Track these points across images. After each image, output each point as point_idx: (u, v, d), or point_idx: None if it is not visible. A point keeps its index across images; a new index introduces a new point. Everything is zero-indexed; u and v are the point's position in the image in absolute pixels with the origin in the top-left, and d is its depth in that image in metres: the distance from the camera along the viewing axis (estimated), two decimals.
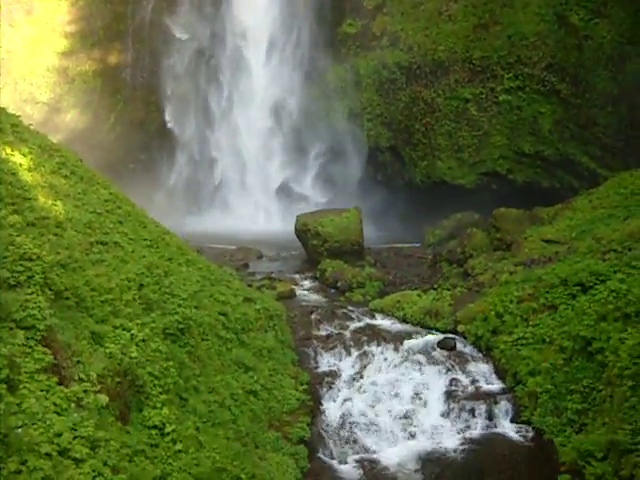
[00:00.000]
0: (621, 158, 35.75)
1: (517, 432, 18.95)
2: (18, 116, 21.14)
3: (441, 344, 22.35)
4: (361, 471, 17.47)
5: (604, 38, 36.04)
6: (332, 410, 19.92)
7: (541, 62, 37.72)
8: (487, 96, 39.51)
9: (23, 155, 18.07)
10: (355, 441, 18.75)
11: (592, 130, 36.84)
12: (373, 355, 22.15)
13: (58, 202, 16.73)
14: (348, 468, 17.68)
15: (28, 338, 11.24)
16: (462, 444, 18.65)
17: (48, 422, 10.21)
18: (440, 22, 40.86)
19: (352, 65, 43.80)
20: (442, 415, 19.75)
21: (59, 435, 10.14)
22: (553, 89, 37.71)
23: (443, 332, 23.38)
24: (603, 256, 22.29)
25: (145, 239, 20.19)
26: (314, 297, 28.25)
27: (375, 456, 18.26)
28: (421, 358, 21.73)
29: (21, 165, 17.35)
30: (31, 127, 21.53)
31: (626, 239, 22.71)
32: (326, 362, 22.19)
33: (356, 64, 43.57)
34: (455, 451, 18.36)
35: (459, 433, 19.20)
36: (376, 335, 23.29)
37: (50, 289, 12.60)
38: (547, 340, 20.16)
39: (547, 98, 37.96)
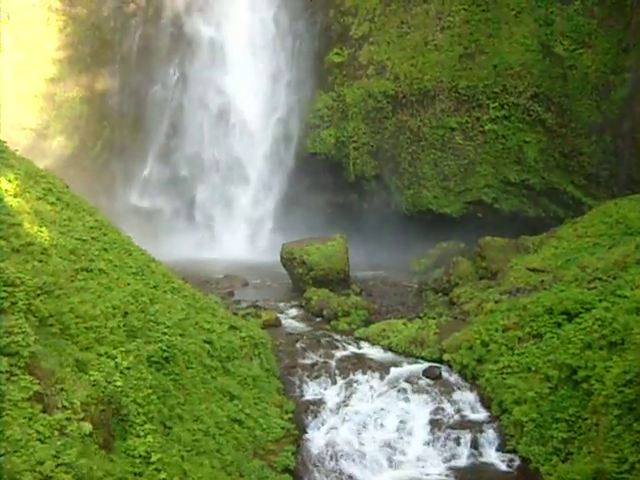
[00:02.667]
0: (606, 187, 35.94)
1: (503, 461, 18.88)
2: (4, 142, 21.08)
3: (426, 373, 22.31)
4: None
5: (589, 68, 36.33)
6: (317, 439, 19.83)
7: (526, 91, 37.97)
8: (473, 125, 39.70)
9: (9, 181, 18.00)
10: (340, 470, 18.64)
11: (577, 159, 37.03)
12: (358, 384, 22.09)
13: (43, 228, 16.66)
14: None
15: (12, 365, 11.15)
16: (447, 473, 18.57)
17: (31, 450, 10.12)
18: (426, 51, 41.12)
19: (339, 94, 43.97)
20: (427, 444, 19.66)
21: (42, 463, 10.04)
22: (538, 118, 37.93)
23: (428, 361, 23.36)
24: (588, 285, 22.34)
25: (130, 266, 20.12)
26: (299, 325, 28.19)
27: None
28: (406, 387, 21.66)
29: (7, 191, 17.28)
30: (17, 153, 21.46)
31: (611, 268, 22.77)
32: (311, 391, 22.12)
33: (342, 93, 43.73)
34: None
35: (444, 462, 19.12)
36: (361, 364, 23.25)
37: (34, 316, 12.53)
38: (533, 369, 20.15)
39: (532, 127, 38.17)
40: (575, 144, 36.93)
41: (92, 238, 19.44)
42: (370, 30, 43.27)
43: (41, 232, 16.32)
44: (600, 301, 20.42)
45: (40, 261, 14.81)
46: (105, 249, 19.57)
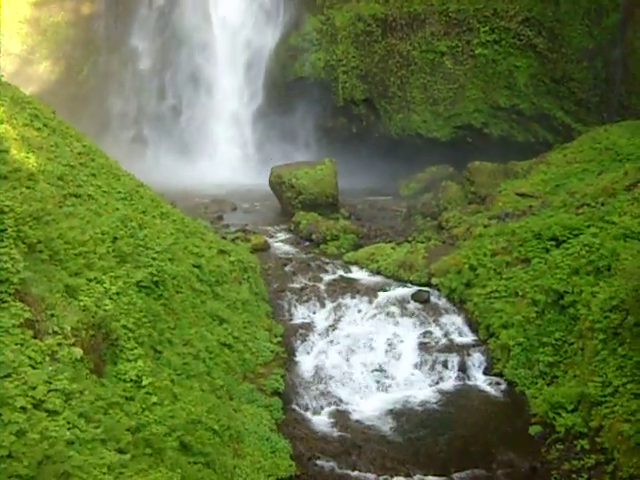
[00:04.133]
0: (596, 113, 35.89)
1: (489, 384, 19.14)
2: None
3: (415, 297, 22.48)
4: (334, 422, 17.59)
5: None
6: (306, 362, 20.03)
7: (517, 16, 37.63)
8: (463, 49, 39.41)
9: None
10: (329, 393, 18.85)
11: (568, 85, 36.89)
12: (347, 307, 22.27)
13: (31, 155, 16.54)
14: (322, 419, 17.80)
15: (2, 292, 11.17)
16: (435, 396, 18.81)
17: (23, 375, 10.18)
18: None
19: (328, 17, 43.46)
20: (415, 367, 19.87)
21: (34, 388, 10.12)
22: (529, 43, 37.66)
23: (417, 285, 23.51)
24: (577, 210, 22.42)
25: (119, 192, 20.03)
26: (288, 249, 28.24)
27: (348, 407, 18.37)
28: (395, 310, 21.84)
29: None
30: (3, 79, 21.22)
31: (600, 194, 22.84)
32: (300, 314, 22.29)
33: (332, 16, 43.22)
34: (428, 403, 18.51)
35: (432, 385, 19.35)
36: (350, 287, 23.42)
37: (23, 242, 12.51)
38: (520, 293, 20.31)
39: (523, 52, 37.92)
40: (566, 69, 36.75)
41: (80, 164, 19.32)
42: None
43: (28, 158, 16.22)
44: (588, 227, 20.52)
45: (28, 187, 14.74)
46: (93, 174, 19.46)
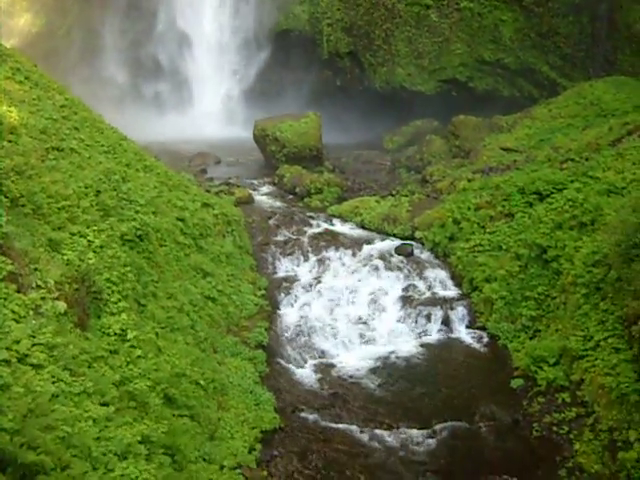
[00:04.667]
0: (581, 68, 35.83)
1: (472, 337, 19.32)
2: None
3: (398, 250, 22.56)
4: (318, 375, 17.74)
5: None
6: (290, 315, 20.14)
7: None
8: (448, 3, 39.12)
9: None
10: (313, 346, 18.99)
11: (553, 39, 36.75)
12: (331, 261, 22.36)
13: (12, 108, 16.42)
14: (306, 372, 17.94)
15: None
16: (418, 349, 18.98)
17: (7, 329, 10.21)
18: None
19: None
20: (399, 320, 20.03)
21: (17, 342, 10.15)
22: None
23: (401, 238, 23.63)
24: (561, 165, 22.47)
25: (102, 145, 19.93)
26: (272, 202, 28.23)
27: (332, 360, 18.53)
28: (379, 264, 21.94)
29: None
30: None
31: (584, 149, 22.90)
32: (284, 267, 22.38)
33: None
34: (411, 355, 18.68)
35: (415, 338, 19.52)
36: (334, 240, 23.47)
37: (6, 196, 12.46)
38: (503, 247, 20.45)
39: (509, 6, 37.69)
40: (552, 24, 36.58)
41: (62, 117, 19.20)
42: None
43: (10, 112, 16.10)
44: (572, 182, 20.58)
45: (10, 141, 14.66)
46: (76, 128, 19.34)
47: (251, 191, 28.86)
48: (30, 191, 13.25)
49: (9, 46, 23.07)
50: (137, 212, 16.83)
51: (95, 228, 14.62)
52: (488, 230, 21.57)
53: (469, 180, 25.36)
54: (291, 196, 29.23)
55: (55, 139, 17.18)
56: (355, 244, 23.15)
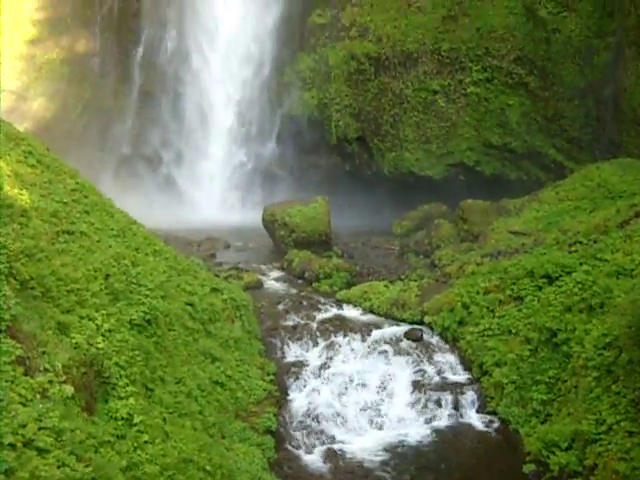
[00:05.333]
0: (588, 151, 36.07)
1: (483, 422, 19.07)
2: None
3: (408, 335, 22.42)
4: (327, 461, 17.49)
5: (572, 31, 36.31)
6: (299, 400, 19.93)
7: (509, 55, 37.92)
8: (455, 88, 39.63)
9: None
10: (322, 432, 18.76)
11: (559, 123, 37.09)
12: (340, 346, 22.18)
13: (24, 191, 16.55)
14: (315, 458, 17.70)
15: None
16: (428, 434, 18.73)
17: (13, 413, 10.11)
18: (409, 13, 40.91)
19: (321, 55, 43.73)
20: (409, 406, 19.81)
21: (24, 426, 10.03)
22: (521, 81, 37.92)
23: (410, 323, 23.45)
24: (569, 248, 22.44)
25: (112, 229, 20.03)
26: (281, 287, 28.22)
27: (342, 447, 18.27)
28: (388, 349, 21.78)
29: None
30: None
31: (592, 231, 22.87)
32: (293, 352, 22.22)
33: (325, 54, 43.49)
34: (421, 441, 18.44)
35: (426, 423, 19.28)
36: (343, 325, 23.33)
37: (15, 279, 12.48)
38: (513, 331, 20.30)
39: (515, 90, 38.15)
40: (557, 108, 36.97)
41: (73, 200, 19.33)
42: None
43: (21, 195, 16.22)
44: (581, 264, 20.54)
45: (21, 224, 14.72)
46: (86, 211, 19.47)
47: (260, 276, 28.89)
48: (40, 274, 13.27)
49: (23, 129, 23.42)
50: (146, 296, 16.82)
51: (104, 312, 14.60)
52: (497, 314, 21.46)
53: (478, 264, 25.31)
54: (300, 281, 29.24)
55: (65, 222, 17.26)
56: (364, 329, 23.01)
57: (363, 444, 18.39)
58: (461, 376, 20.89)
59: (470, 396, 19.87)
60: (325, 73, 43.48)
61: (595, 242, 21.86)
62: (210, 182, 46.35)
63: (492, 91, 38.55)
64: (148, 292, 17.13)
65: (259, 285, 27.74)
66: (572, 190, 30.14)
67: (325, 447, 18.26)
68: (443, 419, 19.44)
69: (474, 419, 19.31)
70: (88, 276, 15.28)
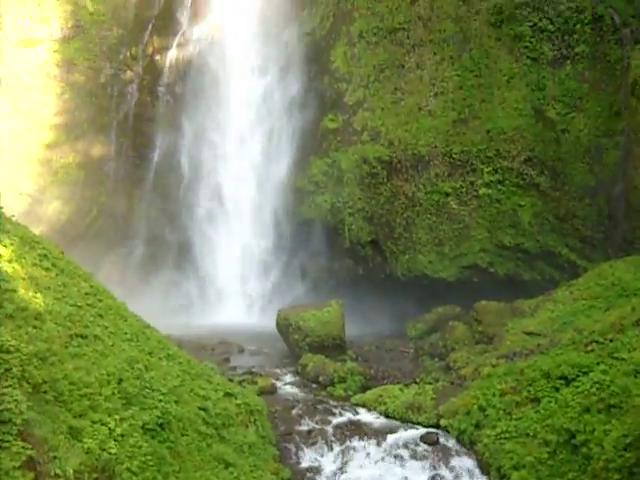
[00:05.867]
0: (601, 249, 36.04)
1: None
2: (1, 207, 21.17)
3: (424, 439, 22.14)
4: None
5: (581, 131, 36.74)
6: None
7: (520, 156, 38.22)
8: (467, 190, 39.83)
9: (4, 246, 18.06)
10: None
11: (571, 222, 37.18)
12: (355, 450, 21.92)
13: (38, 294, 16.65)
14: None
15: (4, 432, 11.05)
16: None
17: None
18: (420, 117, 41.38)
19: (334, 160, 44.16)
20: None
21: None
22: (532, 182, 38.13)
23: (426, 426, 23.18)
24: (585, 348, 22.28)
25: (125, 333, 20.07)
26: (295, 392, 28.00)
27: None
28: (404, 453, 21.50)
29: (2, 257, 17.31)
30: (13, 218, 21.55)
31: (608, 330, 22.73)
32: (308, 458, 21.93)
33: (337, 158, 43.93)
34: None
35: None
36: (358, 430, 23.08)
37: (28, 382, 12.45)
38: (531, 433, 20.01)
39: (526, 191, 38.34)
40: (569, 207, 37.11)
41: (87, 304, 19.42)
42: (364, 96, 43.60)
43: (36, 298, 16.30)
44: (598, 364, 20.37)
45: (34, 327, 14.77)
46: (100, 315, 19.54)
47: (274, 380, 28.70)
48: (52, 378, 13.25)
49: (38, 232, 23.66)
50: (159, 401, 16.75)
51: (117, 416, 14.52)
52: (514, 416, 21.20)
53: (493, 366, 25.17)
54: (314, 385, 29.03)
55: (79, 326, 17.31)
56: (379, 433, 22.76)
57: None
58: None
59: None
60: (338, 177, 43.83)
61: (611, 341, 21.71)
62: (225, 286, 46.48)
63: (504, 192, 38.75)
64: (161, 397, 17.06)
65: (273, 390, 27.52)
66: (586, 289, 30.05)
67: None
68: None
69: None
70: (101, 380, 15.25)
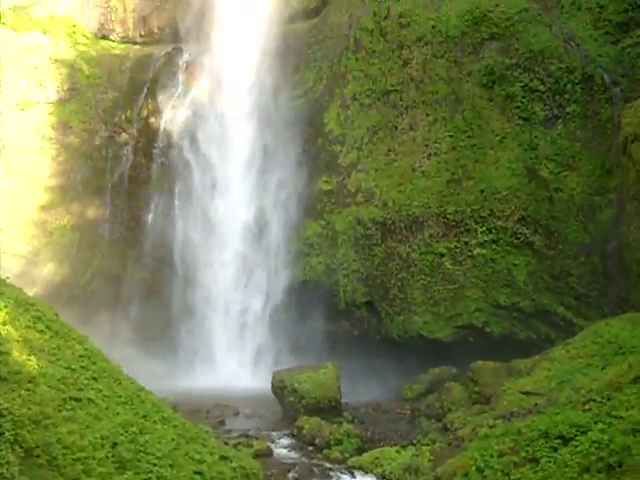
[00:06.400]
0: (596, 307, 36.01)
1: None
2: None
3: None
4: None
5: (574, 190, 36.96)
6: None
7: (514, 215, 38.37)
8: (462, 250, 39.89)
9: None
10: None
11: (566, 280, 37.18)
12: None
13: (32, 357, 16.58)
14: None
15: None
16: None
17: None
18: (414, 178, 41.61)
19: (328, 221, 44.33)
20: None
21: None
22: (526, 241, 38.21)
23: None
24: (583, 407, 22.12)
25: (120, 396, 19.93)
26: (291, 454, 27.85)
27: None
28: None
29: None
30: (8, 280, 21.59)
31: (605, 388, 22.60)
32: None
33: (332, 220, 44.10)
34: None
35: None
36: None
37: (20, 446, 12.34)
38: None
39: (521, 250, 38.40)
40: (564, 265, 37.16)
41: (81, 367, 19.32)
42: (358, 158, 43.90)
43: (30, 360, 16.23)
44: (596, 423, 20.20)
45: (28, 390, 14.69)
46: (94, 378, 19.42)
47: (270, 443, 28.58)
48: (45, 441, 13.14)
49: (32, 294, 23.68)
50: (154, 465, 16.62)
51: None
52: (513, 477, 20.93)
53: (491, 426, 24.98)
54: (311, 447, 28.88)
55: (73, 389, 17.20)
56: None
57: None
58: None
59: None
60: (332, 239, 43.99)
61: (609, 399, 21.57)
62: (219, 348, 46.35)
63: (498, 252, 38.80)
64: (156, 460, 16.91)
65: (269, 452, 27.37)
66: (583, 347, 29.96)
67: None
68: None
69: None
70: (95, 444, 15.12)
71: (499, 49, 40.42)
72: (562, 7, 40.56)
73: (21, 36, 52.80)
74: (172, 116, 49.94)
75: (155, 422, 20.31)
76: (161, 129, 50.05)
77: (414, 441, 27.68)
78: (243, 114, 48.31)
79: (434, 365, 38.32)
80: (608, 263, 35.57)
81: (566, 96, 38.16)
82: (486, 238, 39.03)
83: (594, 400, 22.09)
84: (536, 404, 25.92)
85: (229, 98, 48.76)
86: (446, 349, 39.91)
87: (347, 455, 27.35)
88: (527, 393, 28.03)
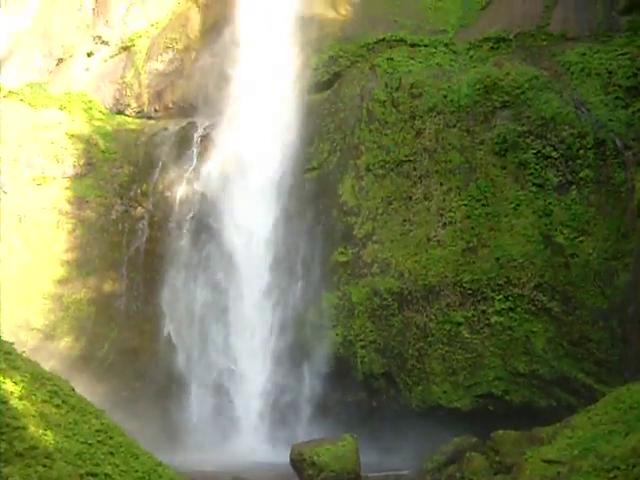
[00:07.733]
0: (617, 372, 35.70)
1: None
2: (12, 343, 21.28)
3: None
4: None
5: (590, 255, 36.89)
6: None
7: (530, 282, 38.29)
8: (479, 318, 39.76)
9: (14, 383, 17.98)
10: None
11: (586, 346, 36.94)
12: None
13: (48, 432, 16.46)
14: None
15: None
16: None
17: None
18: (429, 248, 41.68)
19: (344, 293, 44.32)
20: None
21: None
22: (544, 308, 38.07)
23: None
24: (607, 474, 21.83)
25: (137, 471, 19.72)
26: None
27: None
28: None
29: (12, 393, 17.21)
30: (24, 354, 21.59)
31: (630, 455, 22.30)
32: None
33: (348, 292, 44.09)
34: None
35: None
36: None
37: None
38: None
39: (538, 317, 38.23)
40: (582, 331, 36.94)
41: (98, 441, 19.16)
42: (373, 229, 44.04)
43: (46, 436, 16.12)
44: None
45: (44, 466, 14.56)
46: (111, 453, 19.25)
47: None
48: None
49: (48, 368, 23.60)
50: None
51: None
52: None
53: None
54: None
55: (90, 464, 17.04)
56: None
57: None
58: None
59: None
60: (349, 310, 43.92)
61: (634, 466, 21.28)
62: (238, 422, 46.08)
63: (516, 319, 38.66)
64: None
65: None
66: (604, 414, 29.60)
67: None
68: None
69: None
70: None
71: (511, 117, 40.76)
72: (572, 73, 41.00)
73: (38, 112, 53.67)
74: (187, 190, 50.37)
75: None
76: (177, 202, 50.48)
77: None
78: (257, 186, 48.60)
79: (454, 433, 37.88)
80: (627, 328, 35.35)
81: (579, 161, 38.33)
82: (503, 306, 38.92)
83: (618, 467, 21.81)
84: (559, 472, 25.54)
85: (243, 172, 49.11)
86: (466, 418, 39.56)
87: None
88: (549, 461, 27.65)
